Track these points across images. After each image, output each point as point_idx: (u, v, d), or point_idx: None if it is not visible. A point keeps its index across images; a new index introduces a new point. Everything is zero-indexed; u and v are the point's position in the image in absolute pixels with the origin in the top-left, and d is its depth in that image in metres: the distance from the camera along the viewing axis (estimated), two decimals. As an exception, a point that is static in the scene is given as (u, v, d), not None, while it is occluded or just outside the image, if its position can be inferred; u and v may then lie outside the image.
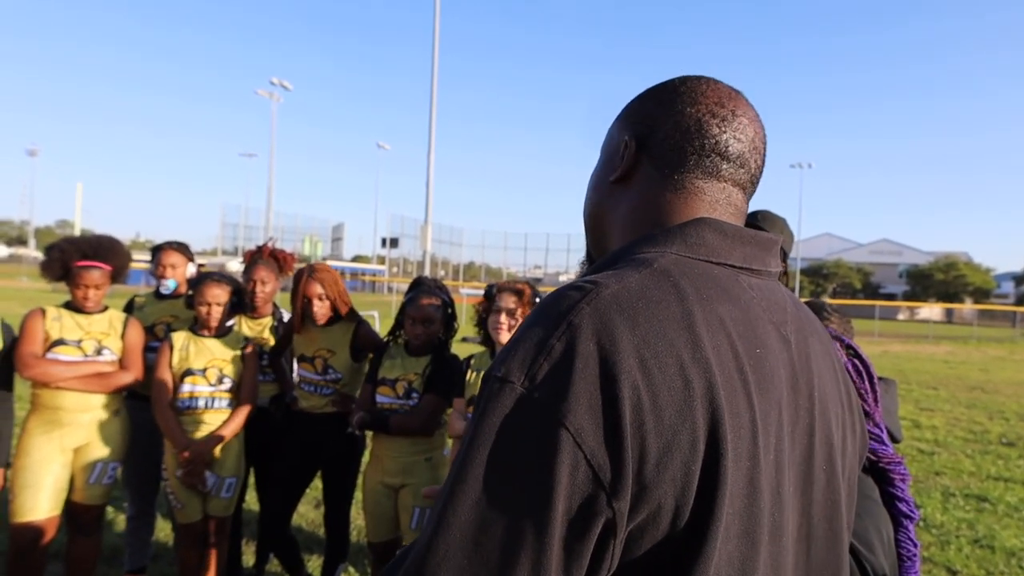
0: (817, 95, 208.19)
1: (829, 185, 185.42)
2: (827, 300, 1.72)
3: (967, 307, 51.35)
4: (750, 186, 0.84)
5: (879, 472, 1.23)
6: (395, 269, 49.98)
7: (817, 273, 65.65)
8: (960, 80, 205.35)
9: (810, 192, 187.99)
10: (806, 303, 1.75)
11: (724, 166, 0.81)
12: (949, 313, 55.67)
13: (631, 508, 0.59)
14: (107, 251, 3.06)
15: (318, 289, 3.20)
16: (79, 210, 45.07)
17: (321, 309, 3.21)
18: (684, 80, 0.84)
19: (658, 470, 0.58)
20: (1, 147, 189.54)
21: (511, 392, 0.59)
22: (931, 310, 51.61)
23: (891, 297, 64.65)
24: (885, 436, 1.24)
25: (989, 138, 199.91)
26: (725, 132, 0.81)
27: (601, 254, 0.88)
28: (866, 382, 1.23)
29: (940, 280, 62.92)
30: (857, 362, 1.26)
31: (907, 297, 64.23)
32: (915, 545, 1.18)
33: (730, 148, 0.81)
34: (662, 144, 0.81)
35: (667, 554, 0.61)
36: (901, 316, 54.61)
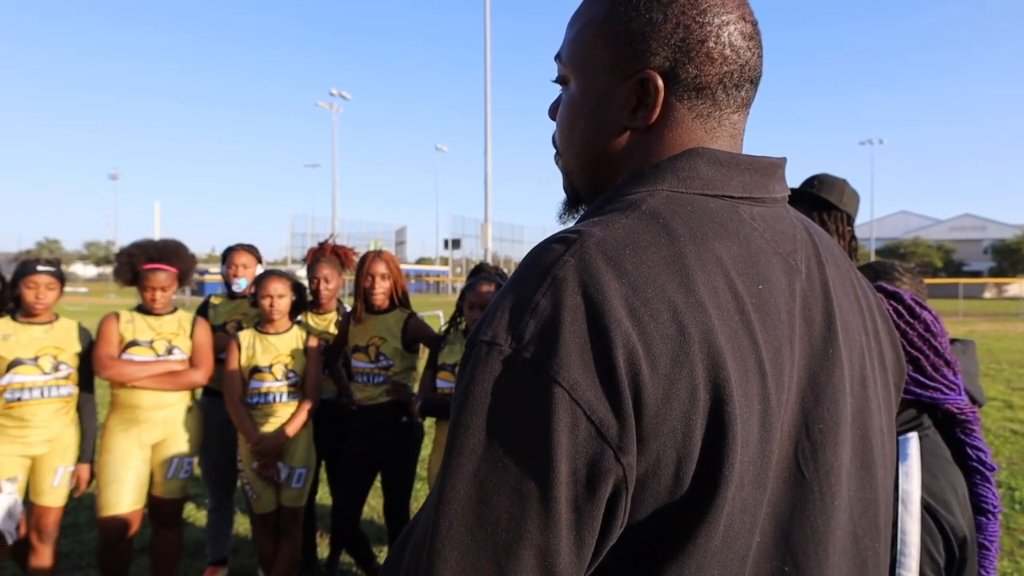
0: (887, 73, 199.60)
1: (903, 162, 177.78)
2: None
3: (1062, 281, 48.28)
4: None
5: (960, 424, 1.14)
6: (458, 269, 50.62)
7: (894, 253, 62.85)
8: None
9: (883, 169, 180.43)
10: (873, 264, 1.65)
11: (752, 92, 0.73)
12: (1042, 289, 52.40)
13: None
14: (172, 254, 3.19)
15: (382, 268, 3.36)
16: (158, 228, 47.38)
17: (382, 288, 3.35)
18: None
19: (656, 421, 0.55)
20: (87, 173, 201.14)
21: (498, 354, 0.55)
22: (1021, 286, 48.69)
23: (976, 275, 61.32)
24: (962, 387, 1.15)
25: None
26: (755, 53, 0.71)
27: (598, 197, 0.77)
28: (940, 328, 1.16)
29: (1030, 254, 59.28)
30: (928, 313, 1.18)
31: (993, 274, 60.82)
32: (996, 498, 1.09)
33: (758, 70, 0.73)
34: (696, 80, 0.69)
35: (672, 508, 0.57)
36: (988, 294, 51.77)
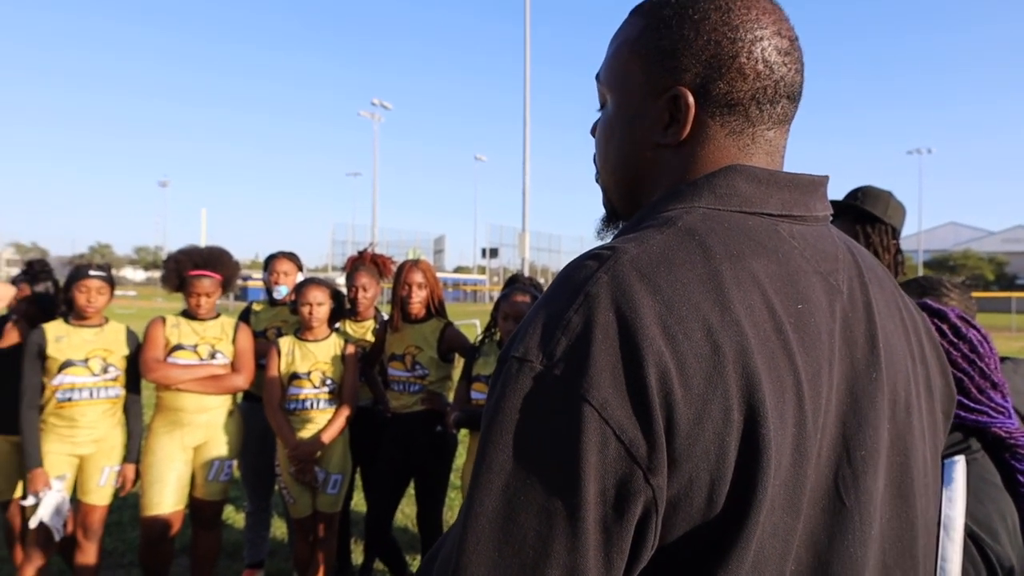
0: (936, 83, 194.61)
1: (953, 172, 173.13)
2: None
3: (1123, 297, 46.20)
4: (794, 116, 0.75)
5: (1009, 448, 1.10)
6: (495, 278, 50.85)
7: (943, 266, 61.00)
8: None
9: (931, 179, 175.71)
10: (919, 279, 1.61)
11: (790, 108, 0.72)
12: (1102, 304, 50.21)
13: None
14: (217, 261, 3.28)
15: (418, 277, 3.38)
16: (204, 234, 48.71)
17: (418, 297, 3.37)
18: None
19: (688, 442, 0.54)
20: (138, 180, 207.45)
21: (529, 371, 0.55)
22: (1079, 302, 46.76)
23: (1031, 289, 59.14)
24: (1012, 409, 1.11)
25: None
26: (791, 68, 0.70)
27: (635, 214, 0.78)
28: (989, 348, 1.12)
29: (1089, 268, 56.97)
30: (975, 332, 1.14)
31: (1050, 288, 58.55)
32: None
33: (795, 86, 0.72)
34: (728, 96, 0.69)
35: (705, 531, 0.56)
36: (1044, 309, 49.87)
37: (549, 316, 0.58)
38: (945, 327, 1.15)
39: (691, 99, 0.70)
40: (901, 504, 0.70)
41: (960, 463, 1.04)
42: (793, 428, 0.58)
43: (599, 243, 0.72)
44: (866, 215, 1.99)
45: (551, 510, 0.53)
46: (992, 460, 1.12)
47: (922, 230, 61.42)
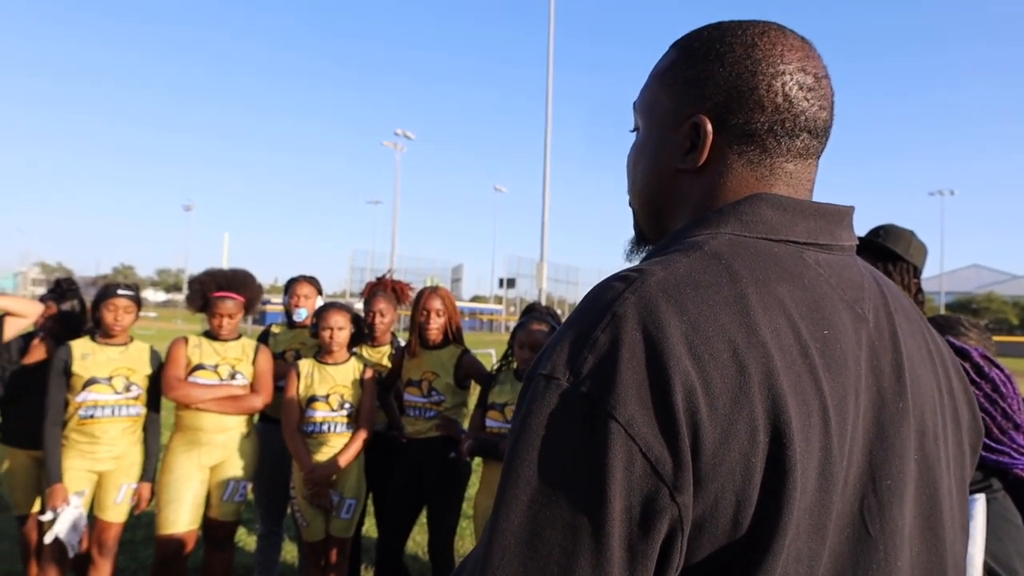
0: (959, 128, 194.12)
1: (976, 213, 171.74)
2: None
3: None
4: (822, 152, 0.77)
5: None
6: (512, 309, 50.89)
7: (966, 308, 60.06)
8: None
9: (954, 221, 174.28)
10: (937, 318, 1.61)
11: (812, 143, 0.74)
12: None
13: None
14: (240, 283, 3.34)
15: (437, 304, 3.41)
16: (225, 258, 49.33)
17: (437, 323, 3.40)
18: (752, 34, 0.73)
19: (714, 462, 0.54)
20: (164, 204, 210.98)
21: (556, 388, 0.56)
22: (1107, 348, 45.78)
23: (1057, 334, 58.00)
24: None
25: None
26: (814, 104, 0.72)
27: (660, 238, 0.81)
28: (1012, 389, 1.12)
29: (1117, 314, 55.92)
30: (998, 372, 1.14)
31: (1076, 334, 57.39)
32: None
33: (819, 122, 0.73)
34: (745, 126, 0.71)
35: (730, 553, 0.56)
36: (1070, 355, 48.85)
37: (576, 335, 0.59)
38: (968, 366, 1.15)
39: (710, 127, 0.72)
40: (931, 537, 0.69)
41: (981, 501, 1.03)
42: (819, 452, 0.59)
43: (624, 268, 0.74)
44: (887, 252, 1.99)
45: (576, 527, 0.53)
46: (1013, 500, 1.11)
47: (944, 272, 60.80)
